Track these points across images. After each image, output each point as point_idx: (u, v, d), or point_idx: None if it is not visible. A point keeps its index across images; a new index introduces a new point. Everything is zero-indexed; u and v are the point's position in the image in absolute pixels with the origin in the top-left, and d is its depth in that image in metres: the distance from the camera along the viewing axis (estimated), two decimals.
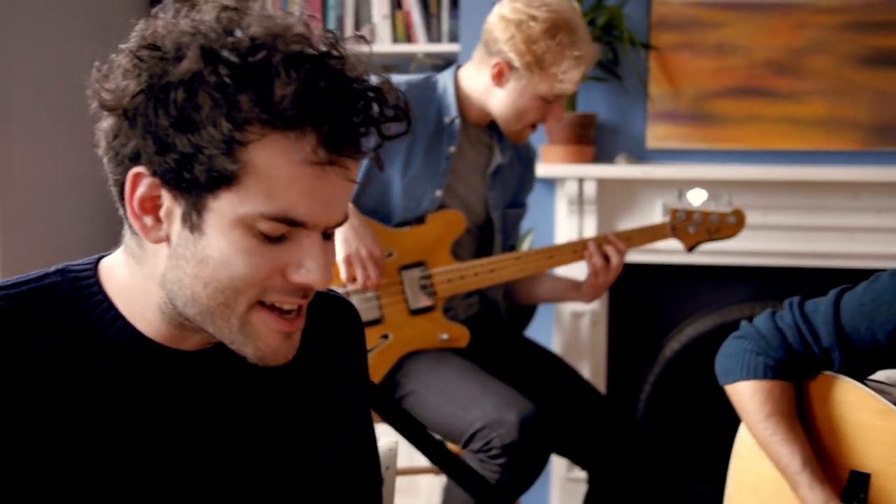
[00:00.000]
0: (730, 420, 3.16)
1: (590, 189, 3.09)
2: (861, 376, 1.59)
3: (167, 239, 0.92)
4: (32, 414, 0.91)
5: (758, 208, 3.06)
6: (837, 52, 3.06)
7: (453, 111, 2.32)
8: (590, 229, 3.13)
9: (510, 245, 2.54)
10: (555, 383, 2.42)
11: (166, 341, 0.97)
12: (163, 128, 0.87)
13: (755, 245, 3.03)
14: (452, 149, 2.32)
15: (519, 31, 2.20)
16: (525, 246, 3.03)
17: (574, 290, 2.50)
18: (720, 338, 3.06)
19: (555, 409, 2.28)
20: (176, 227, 0.91)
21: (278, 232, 0.89)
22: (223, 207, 0.88)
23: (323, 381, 1.10)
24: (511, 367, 2.40)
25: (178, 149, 0.87)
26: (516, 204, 2.54)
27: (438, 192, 2.31)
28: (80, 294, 0.97)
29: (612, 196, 3.15)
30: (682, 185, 3.05)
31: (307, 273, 0.91)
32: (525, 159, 2.53)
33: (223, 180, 0.87)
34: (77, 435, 0.93)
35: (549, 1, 2.23)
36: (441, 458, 1.04)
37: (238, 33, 0.88)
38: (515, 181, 2.51)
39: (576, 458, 2.46)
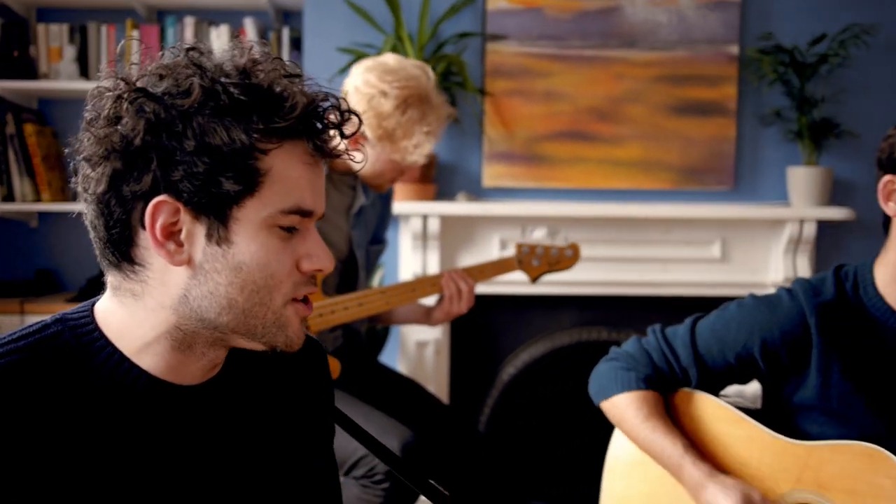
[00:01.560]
0: (562, 439, 3.42)
1: (433, 225, 3.28)
2: (716, 391, 1.83)
3: (189, 261, 1.00)
4: (50, 456, 0.97)
5: (582, 241, 3.31)
6: (651, 102, 3.40)
7: None
8: (433, 263, 3.31)
9: (370, 277, 2.67)
10: (419, 408, 2.56)
11: (168, 374, 1.05)
12: (184, 155, 0.96)
13: (581, 276, 3.29)
14: None
15: (370, 106, 2.27)
16: (377, 281, 3.17)
17: (425, 316, 2.65)
18: (552, 361, 3.36)
19: (424, 433, 2.42)
20: (199, 246, 1.00)
21: (293, 224, 1.03)
22: (248, 215, 0.99)
23: (297, 411, 1.20)
24: (378, 394, 2.52)
25: (202, 171, 0.96)
26: (377, 240, 2.67)
27: None
28: (82, 340, 1.03)
29: (453, 231, 3.35)
30: (518, 222, 3.30)
31: (318, 260, 1.05)
32: (384, 197, 2.67)
33: (248, 189, 0.99)
34: (94, 474, 0.99)
35: (403, 73, 2.30)
36: (400, 468, 1.18)
37: (226, 66, 1.00)
38: (376, 218, 2.65)
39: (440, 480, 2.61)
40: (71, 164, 1.03)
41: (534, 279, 2.66)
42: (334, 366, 2.43)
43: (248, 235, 1.00)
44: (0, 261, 3.73)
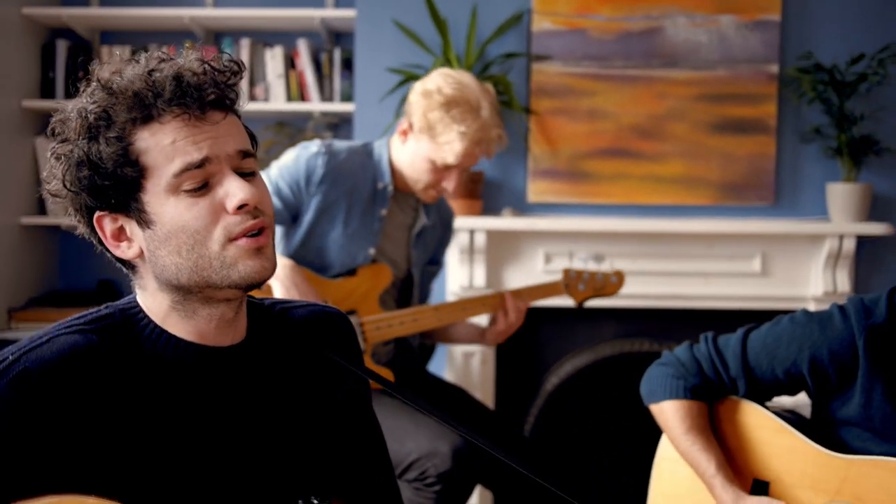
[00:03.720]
0: (605, 446, 3.51)
1: (480, 239, 3.39)
2: (763, 401, 1.92)
3: (141, 252, 1.19)
4: (118, 412, 1.15)
5: (626, 256, 3.45)
6: (692, 120, 3.49)
7: (387, 178, 2.54)
8: (479, 276, 3.42)
9: (424, 297, 2.78)
10: (468, 414, 2.67)
11: (201, 338, 1.22)
12: (90, 176, 1.15)
13: (624, 289, 3.39)
14: (384, 211, 2.55)
15: (425, 98, 2.44)
16: None
17: (480, 336, 2.77)
18: (595, 371, 3.46)
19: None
20: (140, 236, 1.18)
21: (197, 180, 1.15)
22: (152, 194, 1.15)
23: (324, 374, 1.35)
24: (429, 401, 2.63)
25: (105, 183, 1.15)
26: (434, 261, 2.79)
27: (371, 250, 2.54)
28: (131, 321, 1.22)
29: (498, 246, 3.46)
30: (562, 237, 3.41)
31: (234, 196, 1.16)
32: (446, 221, 2.78)
33: (138, 177, 1.15)
34: (152, 426, 1.16)
35: (465, 81, 2.45)
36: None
37: (93, 87, 1.17)
38: (436, 241, 2.76)
39: (488, 483, 2.72)
40: None
41: (579, 304, 2.77)
42: (388, 375, 2.56)
43: (161, 208, 1.16)
44: (65, 272, 3.90)
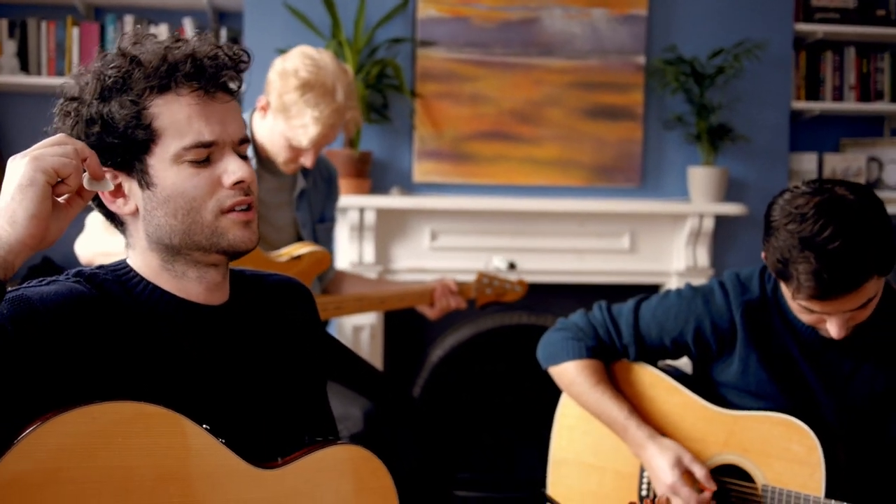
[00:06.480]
0: (487, 416, 3.71)
1: (369, 217, 3.52)
2: (650, 363, 2.13)
3: (137, 209, 1.29)
4: (106, 354, 1.22)
5: (506, 233, 3.65)
6: (567, 106, 3.72)
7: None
8: (368, 253, 3.55)
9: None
10: (370, 380, 2.79)
11: (191, 298, 1.32)
12: (99, 133, 1.25)
13: (503, 263, 3.59)
14: None
15: (281, 79, 2.48)
16: None
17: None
18: (477, 344, 3.64)
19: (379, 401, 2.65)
20: (138, 195, 1.28)
21: (202, 156, 1.26)
22: (158, 159, 1.26)
23: (292, 335, 1.47)
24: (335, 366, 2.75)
25: (112, 140, 1.24)
26: (324, 219, 2.86)
27: None
28: (122, 279, 1.31)
29: (386, 224, 3.60)
30: (448, 215, 3.57)
31: (233, 173, 1.28)
32: (327, 178, 2.85)
33: (148, 140, 1.25)
34: (138, 373, 1.24)
35: (322, 63, 2.49)
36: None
37: (112, 54, 1.28)
38: (321, 199, 2.83)
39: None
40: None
41: (480, 306, 2.91)
42: None
43: (164, 173, 1.26)
44: None
